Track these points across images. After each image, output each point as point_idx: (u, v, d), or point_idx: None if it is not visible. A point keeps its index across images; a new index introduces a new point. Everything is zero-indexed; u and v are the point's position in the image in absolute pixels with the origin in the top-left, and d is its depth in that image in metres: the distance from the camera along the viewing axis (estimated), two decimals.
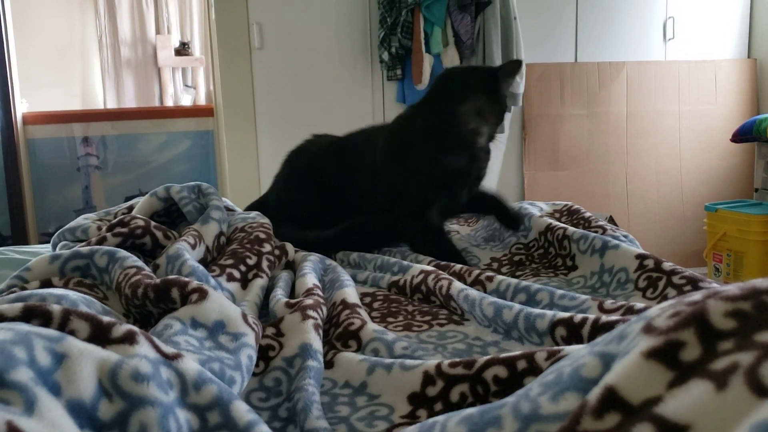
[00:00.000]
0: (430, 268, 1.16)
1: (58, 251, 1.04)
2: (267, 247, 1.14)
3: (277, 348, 0.82)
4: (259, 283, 1.06)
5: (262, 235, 1.18)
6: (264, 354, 0.81)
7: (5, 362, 0.45)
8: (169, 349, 0.56)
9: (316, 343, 0.81)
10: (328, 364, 0.82)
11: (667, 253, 3.60)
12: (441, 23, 3.14)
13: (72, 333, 0.54)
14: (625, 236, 1.28)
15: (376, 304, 1.11)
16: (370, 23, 3.31)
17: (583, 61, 3.61)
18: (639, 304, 0.87)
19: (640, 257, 1.07)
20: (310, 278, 1.07)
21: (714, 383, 0.34)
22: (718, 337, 0.38)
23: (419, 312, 1.05)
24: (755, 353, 0.34)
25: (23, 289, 0.89)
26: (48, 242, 1.43)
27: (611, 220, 1.59)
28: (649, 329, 0.40)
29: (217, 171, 3.98)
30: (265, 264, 1.10)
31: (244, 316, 0.78)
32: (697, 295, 0.42)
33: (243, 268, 1.06)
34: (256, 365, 0.78)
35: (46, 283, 0.92)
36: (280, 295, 1.00)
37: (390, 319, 1.03)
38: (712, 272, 3.28)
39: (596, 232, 1.29)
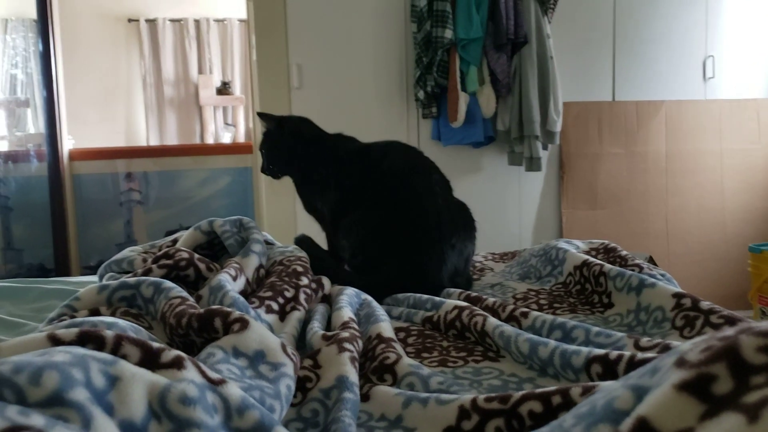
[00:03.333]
0: (463, 303, 1.16)
1: (105, 282, 1.08)
2: (304, 281, 1.17)
3: (315, 379, 0.84)
4: (297, 315, 1.07)
5: (300, 269, 1.20)
6: (301, 385, 0.82)
7: (64, 382, 0.47)
8: (214, 375, 0.58)
9: (353, 375, 0.83)
10: (364, 397, 0.83)
11: (710, 294, 3.53)
12: (477, 62, 3.17)
13: (124, 357, 0.56)
14: (662, 275, 1.28)
15: (410, 339, 1.12)
16: (406, 63, 3.36)
17: (621, 99, 3.61)
18: (675, 343, 0.87)
19: (677, 296, 1.07)
20: (346, 312, 1.09)
21: (746, 416, 0.35)
22: (750, 371, 0.38)
23: (454, 348, 1.06)
24: None
25: (73, 317, 0.93)
26: (89, 275, 1.47)
27: (651, 260, 1.58)
28: (681, 363, 0.41)
29: (255, 206, 4.05)
30: (302, 297, 1.12)
31: (284, 347, 0.79)
32: (729, 331, 0.42)
33: (281, 300, 1.08)
34: (294, 396, 0.80)
35: (95, 313, 0.95)
36: (316, 327, 1.01)
37: (425, 355, 1.04)
38: (758, 315, 3.20)
39: (633, 270, 1.28)
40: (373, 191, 1.48)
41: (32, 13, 3.90)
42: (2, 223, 3.94)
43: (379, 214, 1.45)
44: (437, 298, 1.25)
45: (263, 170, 1.68)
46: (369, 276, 1.40)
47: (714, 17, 3.67)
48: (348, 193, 1.51)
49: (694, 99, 3.67)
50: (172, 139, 6.48)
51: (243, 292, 1.12)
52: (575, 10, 3.50)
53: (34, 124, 5.32)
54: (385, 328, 1.04)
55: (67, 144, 4.03)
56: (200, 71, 6.59)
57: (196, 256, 1.16)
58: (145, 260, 1.25)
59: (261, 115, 1.66)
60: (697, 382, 0.39)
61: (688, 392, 0.39)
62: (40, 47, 3.86)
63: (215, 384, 0.57)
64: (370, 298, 1.26)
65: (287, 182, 1.70)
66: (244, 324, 0.78)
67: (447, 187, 1.53)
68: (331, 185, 1.55)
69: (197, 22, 6.53)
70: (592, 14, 3.54)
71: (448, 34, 3.09)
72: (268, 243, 1.38)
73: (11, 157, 4.07)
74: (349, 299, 1.19)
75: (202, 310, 0.83)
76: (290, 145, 1.62)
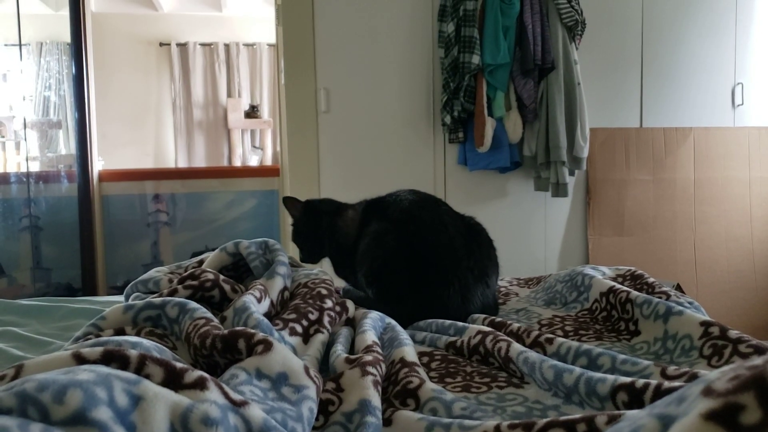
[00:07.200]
0: (487, 328, 1.15)
1: (131, 302, 1.09)
2: (328, 303, 1.17)
3: (337, 403, 0.83)
4: (320, 338, 1.07)
5: (324, 291, 1.20)
6: (324, 408, 0.82)
7: (88, 401, 0.48)
8: (237, 396, 0.58)
9: (375, 399, 0.82)
10: (386, 422, 0.82)
11: (739, 324, 3.47)
12: (504, 88, 3.18)
13: (147, 377, 0.57)
14: (690, 303, 1.26)
15: (434, 364, 1.11)
16: (433, 87, 3.38)
17: (648, 126, 3.58)
18: (703, 372, 0.85)
19: (705, 324, 1.05)
20: (369, 335, 1.09)
21: None
22: None
23: (478, 373, 1.05)
24: None
25: (98, 336, 0.93)
26: (116, 295, 1.48)
27: (678, 288, 1.56)
28: (708, 392, 0.41)
29: (281, 228, 4.07)
30: (326, 320, 1.12)
31: (306, 369, 0.79)
32: (758, 360, 0.42)
33: (305, 322, 1.08)
34: (316, 419, 0.79)
35: (120, 332, 0.96)
36: (340, 350, 1.01)
37: (448, 380, 1.03)
38: None
39: (660, 297, 1.27)
40: (383, 226, 1.48)
41: (66, 36, 3.99)
42: (32, 243, 4.00)
43: (390, 243, 1.45)
44: (460, 323, 1.24)
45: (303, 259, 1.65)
46: (393, 305, 1.40)
47: (743, 45, 3.64)
48: (362, 230, 1.53)
49: (722, 126, 3.63)
50: (200, 161, 6.57)
51: (267, 314, 1.12)
52: (603, 36, 3.50)
53: (65, 145, 5.43)
54: (409, 352, 1.04)
55: (97, 165, 4.09)
56: (229, 95, 6.70)
57: (222, 277, 1.17)
58: (170, 281, 1.26)
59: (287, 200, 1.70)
60: (724, 412, 0.38)
61: (716, 422, 0.38)
62: (74, 70, 3.95)
63: (238, 405, 0.57)
64: (394, 322, 1.25)
65: None
66: (267, 346, 0.78)
67: (456, 216, 1.53)
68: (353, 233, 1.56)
69: (227, 46, 6.65)
70: (619, 40, 3.54)
71: (476, 59, 3.11)
72: (293, 265, 1.38)
73: (42, 177, 4.15)
74: (373, 323, 1.18)
75: (226, 331, 0.83)
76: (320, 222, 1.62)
